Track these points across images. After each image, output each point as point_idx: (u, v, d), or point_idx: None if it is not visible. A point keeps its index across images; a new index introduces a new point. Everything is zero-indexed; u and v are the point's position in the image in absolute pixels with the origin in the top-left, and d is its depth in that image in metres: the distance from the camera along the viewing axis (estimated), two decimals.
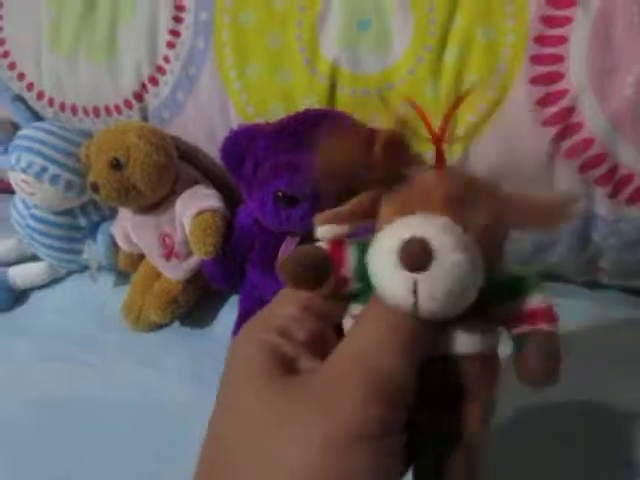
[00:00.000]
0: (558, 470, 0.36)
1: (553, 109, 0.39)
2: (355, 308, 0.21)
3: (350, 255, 0.20)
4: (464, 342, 0.20)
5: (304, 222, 0.39)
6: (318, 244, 0.21)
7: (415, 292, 0.17)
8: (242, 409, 0.19)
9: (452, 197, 0.19)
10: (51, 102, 0.53)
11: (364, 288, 0.20)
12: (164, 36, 0.48)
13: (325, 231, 0.21)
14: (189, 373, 0.47)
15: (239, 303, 0.48)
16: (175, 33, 0.48)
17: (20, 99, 0.53)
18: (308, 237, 0.42)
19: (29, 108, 0.54)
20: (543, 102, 0.39)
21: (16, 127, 0.53)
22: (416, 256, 0.17)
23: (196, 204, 0.46)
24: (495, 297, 0.20)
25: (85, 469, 0.41)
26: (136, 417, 0.44)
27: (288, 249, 0.41)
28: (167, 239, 0.49)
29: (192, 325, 0.51)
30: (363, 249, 0.20)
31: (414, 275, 0.17)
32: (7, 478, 0.41)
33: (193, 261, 0.50)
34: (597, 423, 0.38)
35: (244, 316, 0.47)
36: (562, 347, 0.20)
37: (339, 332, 0.22)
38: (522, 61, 0.40)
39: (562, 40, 0.39)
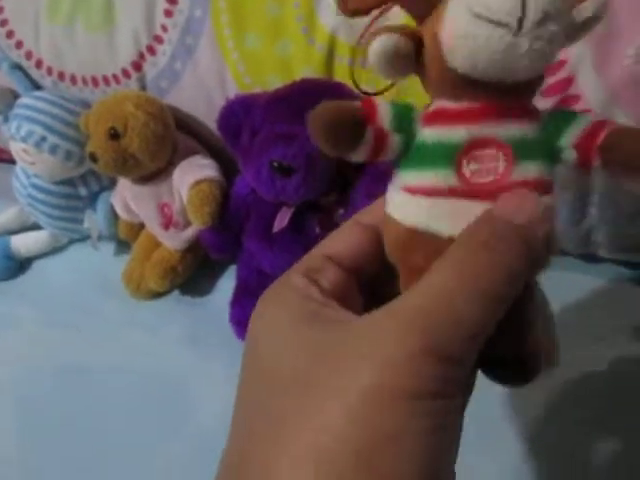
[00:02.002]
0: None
1: (551, 80, 0.38)
2: (406, 177, 0.18)
3: (384, 105, 0.18)
4: None
5: (299, 192, 0.40)
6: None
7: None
8: (275, 353, 0.17)
9: None
10: (50, 71, 0.53)
11: (405, 142, 0.18)
12: (162, 4, 0.48)
13: (385, 40, 0.17)
14: (188, 340, 0.48)
15: (237, 273, 0.49)
16: (173, 1, 0.48)
17: (19, 68, 0.53)
18: (303, 207, 0.42)
19: (28, 77, 0.54)
20: None
21: (16, 96, 0.53)
22: None
23: (193, 174, 0.47)
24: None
25: (89, 432, 0.42)
26: (137, 382, 0.45)
27: (283, 219, 0.41)
28: (166, 209, 0.50)
29: (191, 294, 0.52)
30: (396, 105, 0.18)
31: None
32: (17, 439, 0.43)
33: (191, 231, 0.50)
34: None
35: (242, 285, 0.48)
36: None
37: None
38: None
39: None
